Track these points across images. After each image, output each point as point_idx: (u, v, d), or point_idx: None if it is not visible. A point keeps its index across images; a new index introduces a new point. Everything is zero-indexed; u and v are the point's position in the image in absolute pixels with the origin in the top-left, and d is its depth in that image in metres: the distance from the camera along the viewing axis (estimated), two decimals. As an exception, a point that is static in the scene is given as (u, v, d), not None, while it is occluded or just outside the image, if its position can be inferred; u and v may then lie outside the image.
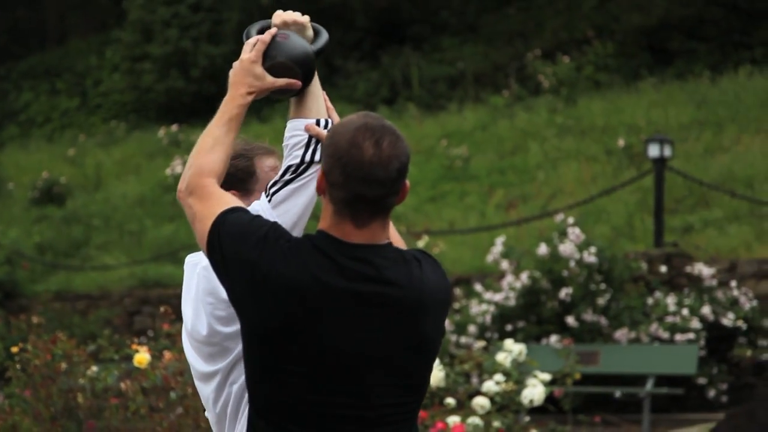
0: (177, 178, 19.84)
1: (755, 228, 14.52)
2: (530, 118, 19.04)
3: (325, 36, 3.15)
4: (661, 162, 13.71)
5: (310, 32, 3.19)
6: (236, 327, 2.97)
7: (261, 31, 3.10)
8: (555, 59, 20.56)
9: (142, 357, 6.87)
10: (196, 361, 3.12)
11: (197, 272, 3.11)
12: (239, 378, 3.02)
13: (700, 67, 19.52)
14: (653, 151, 13.69)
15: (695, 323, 12.56)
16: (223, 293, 2.93)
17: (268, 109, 22.66)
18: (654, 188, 13.87)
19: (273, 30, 3.09)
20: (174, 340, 7.26)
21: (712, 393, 12.78)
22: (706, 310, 12.72)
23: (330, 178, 2.74)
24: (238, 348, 2.99)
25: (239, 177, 3.23)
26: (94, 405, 7.02)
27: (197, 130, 21.70)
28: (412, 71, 22.08)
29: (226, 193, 2.93)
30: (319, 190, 2.80)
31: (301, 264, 2.71)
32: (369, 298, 2.69)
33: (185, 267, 3.25)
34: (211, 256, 2.82)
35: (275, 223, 2.85)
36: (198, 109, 23.29)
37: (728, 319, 12.79)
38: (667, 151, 13.72)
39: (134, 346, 7.14)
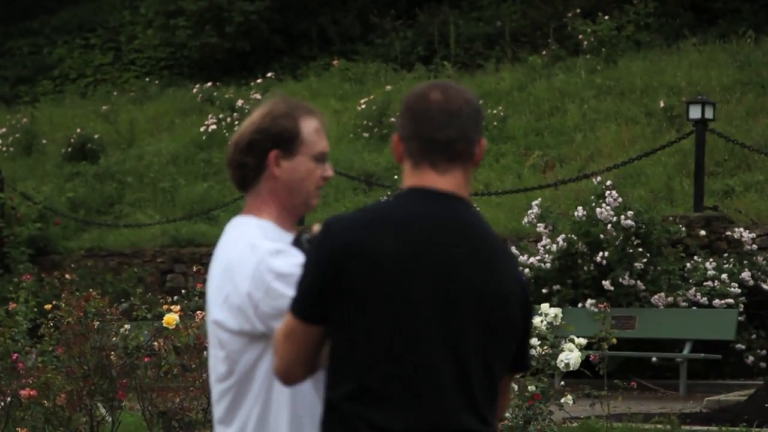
0: (210, 135, 19.77)
1: (797, 192, 14.31)
2: (568, 79, 18.81)
3: None
4: (702, 124, 13.50)
5: None
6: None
7: (310, 242, 3.08)
8: (595, 18, 20.27)
9: (170, 317, 6.83)
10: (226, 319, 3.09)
11: (259, 262, 3.04)
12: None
13: (743, 27, 19.20)
14: (694, 112, 13.49)
15: (734, 288, 12.42)
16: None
17: (303, 67, 22.52)
18: (694, 151, 13.68)
19: None
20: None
21: (750, 359, 12.64)
22: (745, 274, 12.57)
23: (403, 133, 2.77)
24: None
25: (284, 137, 3.16)
26: (127, 363, 7.01)
27: (231, 88, 21.62)
28: (450, 29, 21.86)
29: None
30: (397, 155, 2.80)
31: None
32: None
33: (231, 229, 3.19)
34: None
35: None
36: (232, 66, 23.17)
37: (768, 285, 12.64)
38: (709, 113, 13.52)
39: (166, 306, 7.10)
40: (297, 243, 3.12)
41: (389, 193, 15.54)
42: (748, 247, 12.89)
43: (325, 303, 2.72)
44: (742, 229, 13.00)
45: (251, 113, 3.24)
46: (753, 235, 12.98)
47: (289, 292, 2.99)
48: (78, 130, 20.46)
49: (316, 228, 3.13)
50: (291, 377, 2.82)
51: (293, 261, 3.03)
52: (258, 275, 3.02)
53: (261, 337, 3.04)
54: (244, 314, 3.04)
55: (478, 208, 13.39)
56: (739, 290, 12.46)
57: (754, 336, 12.69)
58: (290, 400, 3.04)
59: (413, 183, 2.75)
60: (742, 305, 12.49)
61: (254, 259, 3.04)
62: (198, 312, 7.16)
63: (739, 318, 12.44)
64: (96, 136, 20.37)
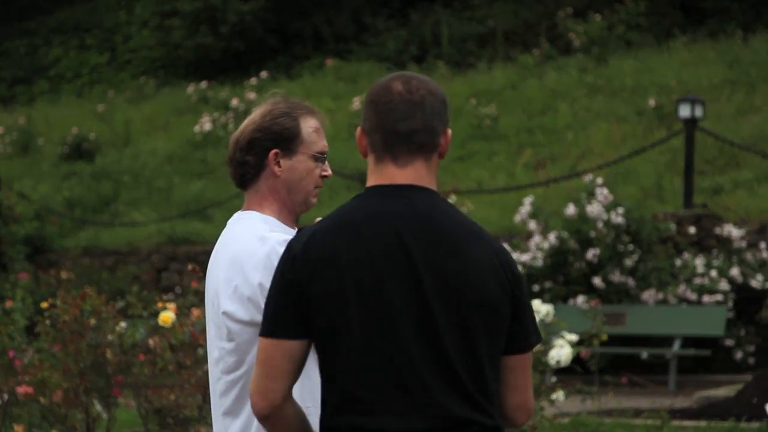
0: (205, 135, 19.87)
1: (786, 190, 14.42)
2: (560, 78, 18.92)
3: None
4: (691, 122, 13.62)
5: None
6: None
7: None
8: (586, 18, 20.39)
9: (166, 316, 6.90)
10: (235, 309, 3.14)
11: (269, 253, 3.09)
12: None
13: (732, 26, 19.32)
14: (684, 111, 13.60)
15: (723, 285, 12.53)
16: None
17: (297, 67, 22.62)
18: (684, 149, 13.79)
19: None
20: (202, 298, 7.28)
21: (739, 355, 12.75)
22: (734, 271, 12.68)
23: (366, 125, 2.74)
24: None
25: (284, 136, 3.21)
26: (123, 361, 7.06)
27: (226, 87, 21.71)
28: (442, 29, 21.96)
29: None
30: (361, 149, 2.78)
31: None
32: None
33: (234, 223, 3.24)
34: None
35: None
36: (227, 65, 23.26)
37: (757, 281, 12.74)
38: (698, 112, 13.63)
39: (161, 304, 7.17)
40: None
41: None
42: (737, 244, 13.00)
43: (291, 316, 2.67)
44: (731, 227, 13.12)
45: (251, 112, 3.27)
46: (742, 232, 13.10)
47: None
48: (74, 130, 20.54)
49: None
50: (266, 400, 2.69)
51: None
52: (270, 265, 3.03)
53: None
54: (256, 305, 3.07)
55: (470, 207, 13.47)
56: (729, 287, 12.57)
57: (743, 332, 12.81)
58: (298, 390, 3.02)
59: (373, 181, 2.72)
60: (731, 302, 12.61)
61: (264, 250, 3.08)
62: (193, 309, 7.23)
63: (728, 314, 12.55)
64: (92, 136, 20.46)
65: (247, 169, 3.21)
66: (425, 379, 2.64)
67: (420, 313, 2.65)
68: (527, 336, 2.77)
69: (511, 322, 2.74)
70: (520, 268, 11.45)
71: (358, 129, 2.77)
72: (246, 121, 3.25)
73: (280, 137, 3.19)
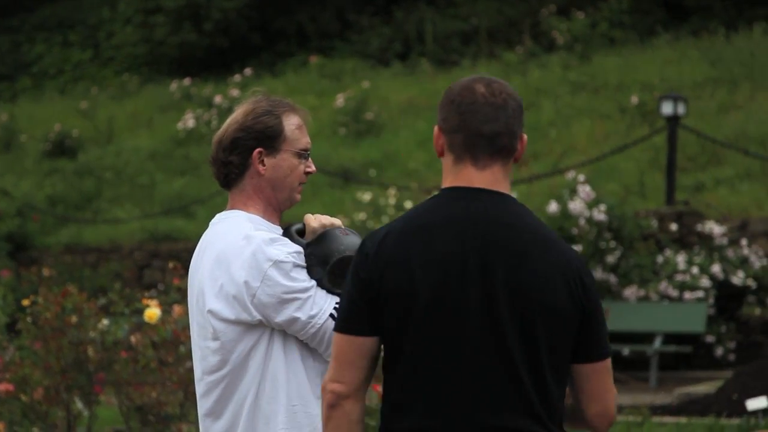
0: (189, 132, 19.84)
1: (767, 186, 14.48)
2: (543, 75, 18.96)
3: (358, 236, 3.21)
4: (674, 120, 13.66)
5: None
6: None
7: (299, 233, 3.19)
8: (570, 15, 20.44)
9: (152, 312, 6.90)
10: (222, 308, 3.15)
11: (255, 255, 3.10)
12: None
13: (714, 23, 19.39)
14: (666, 108, 13.64)
15: (705, 281, 12.57)
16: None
17: (281, 64, 22.61)
18: (666, 146, 13.83)
19: (336, 221, 3.19)
20: (184, 294, 7.29)
21: (720, 351, 12.80)
22: (716, 268, 12.73)
23: (446, 126, 2.75)
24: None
25: (267, 134, 3.21)
26: (104, 358, 7.07)
27: (209, 84, 21.68)
28: (426, 26, 21.98)
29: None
30: (437, 149, 2.79)
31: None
32: None
33: (217, 224, 3.24)
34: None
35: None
36: (210, 62, 23.23)
37: (738, 278, 12.79)
38: (681, 109, 13.67)
39: (145, 301, 7.17)
40: (286, 234, 3.19)
41: (366, 188, 15.67)
42: (719, 241, 13.05)
43: (363, 314, 2.71)
44: (712, 224, 13.16)
45: (234, 110, 3.27)
46: (723, 229, 13.15)
47: (285, 280, 3.06)
48: (57, 127, 20.50)
49: (308, 219, 3.23)
50: (337, 390, 2.74)
51: (289, 249, 3.10)
52: (255, 264, 3.06)
53: (257, 326, 3.09)
54: (241, 303, 3.08)
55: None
56: (710, 283, 12.62)
57: (723, 329, 12.86)
58: (285, 389, 3.09)
59: (449, 182, 2.75)
60: (712, 298, 12.66)
61: (250, 249, 3.08)
62: (175, 306, 7.23)
63: (710, 311, 12.60)
64: (75, 133, 20.41)
65: (231, 168, 3.21)
66: (486, 385, 2.67)
67: (486, 318, 2.67)
68: (600, 345, 2.78)
69: (582, 331, 2.75)
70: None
71: (435, 128, 2.77)
72: (228, 121, 3.25)
73: (264, 136, 3.19)
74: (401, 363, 2.70)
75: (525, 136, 2.80)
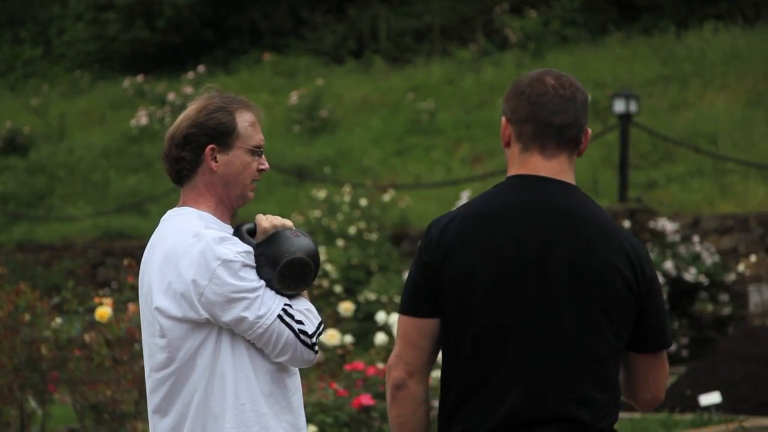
0: (141, 129, 19.73)
1: (718, 183, 14.63)
2: (497, 73, 19.04)
3: (309, 238, 3.23)
4: (626, 117, 13.76)
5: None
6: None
7: (249, 232, 3.19)
8: (522, 13, 20.53)
9: (103, 311, 6.86)
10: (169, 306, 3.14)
11: (206, 255, 3.09)
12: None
13: (665, 22, 19.55)
14: (619, 106, 13.73)
15: (657, 278, 12.68)
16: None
17: (234, 61, 22.53)
18: (619, 143, 13.93)
19: (287, 222, 3.19)
20: (138, 292, 7.24)
21: (673, 347, 12.92)
22: (668, 265, 12.83)
23: (514, 116, 2.81)
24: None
25: (220, 131, 3.19)
26: (58, 356, 7.02)
27: (162, 81, 21.57)
28: (380, 24, 22.00)
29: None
30: (504, 139, 2.85)
31: None
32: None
33: (169, 220, 3.23)
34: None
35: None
36: (163, 59, 23.12)
37: (690, 274, 12.91)
38: (633, 107, 13.77)
39: (98, 299, 7.13)
40: (237, 234, 3.18)
41: (320, 185, 15.66)
42: (671, 238, 13.16)
43: (425, 297, 2.77)
44: (665, 220, 13.27)
45: (186, 107, 3.25)
46: (676, 225, 13.26)
47: (233, 279, 3.05)
48: (8, 124, 20.31)
49: (260, 219, 3.22)
50: (402, 370, 2.81)
51: (238, 249, 3.09)
52: (203, 262, 3.05)
53: (204, 325, 3.08)
54: (189, 301, 3.07)
55: (408, 201, 13.43)
56: (663, 280, 12.73)
57: (676, 325, 12.97)
58: (233, 388, 3.08)
59: (515, 170, 2.81)
60: (665, 295, 12.77)
61: (199, 247, 3.07)
62: (130, 304, 7.19)
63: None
64: (26, 130, 20.24)
65: (183, 165, 3.20)
66: (545, 371, 2.73)
67: (546, 304, 2.73)
68: (658, 336, 2.83)
69: (641, 321, 2.81)
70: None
71: (503, 119, 2.83)
72: (181, 117, 3.23)
73: (216, 132, 3.18)
74: (464, 345, 2.75)
75: (589, 130, 2.87)
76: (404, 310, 2.82)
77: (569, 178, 2.82)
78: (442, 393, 2.84)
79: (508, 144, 2.84)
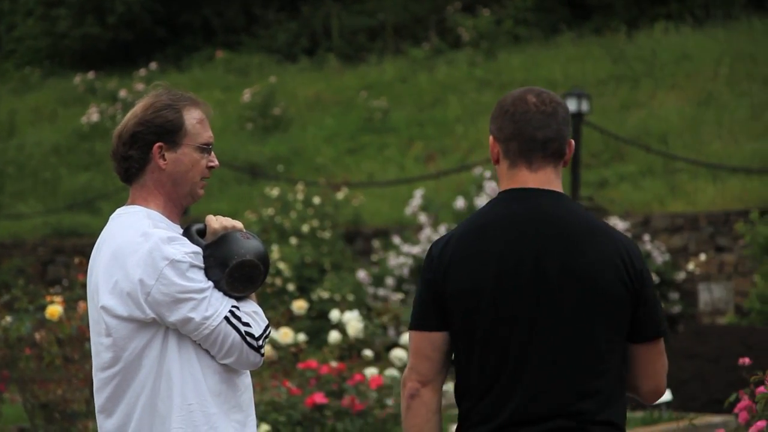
0: (93, 126, 19.59)
1: (669, 183, 14.75)
2: (450, 71, 19.08)
3: (259, 240, 3.24)
4: (578, 117, 13.84)
5: None
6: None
7: (199, 233, 3.18)
8: (475, 12, 20.59)
9: (54, 309, 6.81)
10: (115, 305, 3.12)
11: (154, 255, 3.07)
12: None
13: (617, 22, 19.69)
14: (570, 105, 13.82)
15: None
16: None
17: (187, 58, 22.42)
18: (571, 143, 14.00)
19: (238, 224, 3.21)
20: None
21: (624, 345, 12.99)
22: (619, 263, 12.91)
23: (501, 135, 3.02)
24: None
25: (168, 129, 3.17)
26: (8, 355, 6.96)
27: (114, 78, 21.43)
28: (333, 22, 21.98)
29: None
30: (493, 156, 3.05)
31: None
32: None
33: (118, 219, 3.20)
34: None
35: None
36: (114, 56, 22.96)
37: (641, 273, 13.00)
38: (584, 106, 13.86)
39: (49, 297, 7.07)
40: (187, 234, 3.16)
41: (273, 184, 15.61)
42: (622, 237, 13.25)
43: (432, 312, 2.96)
44: (616, 219, 13.37)
45: (134, 105, 3.23)
46: (627, 224, 13.36)
47: (180, 280, 3.04)
48: (-44, 121, 20.10)
49: (210, 220, 3.21)
50: (416, 380, 2.99)
51: (186, 249, 3.08)
52: (151, 262, 3.04)
53: (150, 324, 3.07)
54: (135, 300, 3.05)
55: (361, 199, 13.45)
56: (613, 278, 12.81)
57: (627, 322, 13.07)
58: (180, 388, 3.07)
59: (505, 185, 3.02)
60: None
61: (147, 246, 3.06)
62: (80, 302, 7.14)
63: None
64: (-25, 127, 20.03)
65: (132, 163, 3.18)
66: (552, 370, 2.91)
67: (543, 308, 2.92)
68: (653, 326, 3.01)
69: (636, 314, 2.99)
70: (409, 260, 11.61)
71: (491, 138, 3.03)
72: (128, 115, 3.21)
73: (164, 130, 3.16)
74: (472, 354, 2.95)
75: (572, 142, 3.06)
76: (414, 326, 2.99)
77: (557, 187, 3.02)
78: (457, 401, 3.02)
79: (497, 161, 3.03)
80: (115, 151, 3.19)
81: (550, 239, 2.93)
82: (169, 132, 3.16)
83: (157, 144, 3.16)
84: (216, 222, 3.18)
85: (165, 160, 3.17)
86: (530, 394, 2.91)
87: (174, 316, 3.06)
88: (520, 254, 2.92)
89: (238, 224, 3.21)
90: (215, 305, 3.08)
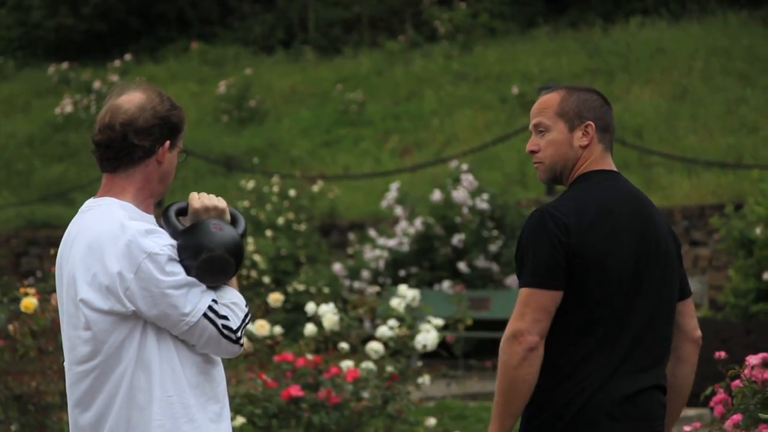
0: (66, 117, 19.49)
1: (644, 177, 14.79)
2: (426, 65, 19.08)
3: (243, 221, 3.25)
4: (554, 110, 13.85)
5: (228, 216, 3.22)
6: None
7: (179, 212, 3.17)
8: (451, 5, 20.59)
9: (29, 301, 6.76)
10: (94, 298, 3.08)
11: (131, 249, 3.04)
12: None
13: (592, 16, 19.74)
14: (547, 99, 13.83)
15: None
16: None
17: (162, 50, 22.33)
18: (547, 136, 14.03)
19: (221, 203, 3.21)
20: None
21: (598, 338, 13.03)
22: (595, 257, 12.95)
23: (600, 123, 3.41)
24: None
25: (178, 128, 3.18)
26: (-19, 347, 6.90)
27: (88, 69, 21.32)
28: (309, 14, 21.93)
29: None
30: (587, 140, 3.40)
31: None
32: None
33: (88, 211, 3.17)
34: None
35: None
36: (89, 47, 22.84)
37: (616, 266, 13.04)
38: (561, 100, 13.87)
39: (23, 290, 7.02)
40: (165, 215, 3.14)
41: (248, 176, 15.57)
42: (597, 230, 13.29)
43: (562, 272, 3.22)
44: (591, 213, 13.41)
45: (129, 94, 3.16)
46: (602, 218, 13.40)
47: (159, 274, 3.02)
48: (-72, 111, 19.96)
49: (192, 198, 3.18)
50: (537, 335, 3.22)
51: (164, 242, 3.05)
52: (129, 255, 3.02)
53: (130, 317, 3.05)
54: (114, 294, 3.03)
55: (337, 192, 13.45)
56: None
57: (602, 316, 13.11)
58: (159, 379, 3.06)
59: (599, 166, 3.38)
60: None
61: (125, 239, 3.03)
62: (54, 294, 7.10)
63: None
64: (-53, 117, 19.91)
65: (135, 152, 3.13)
66: (650, 340, 3.28)
67: (642, 269, 3.29)
68: (687, 283, 3.45)
69: (681, 272, 3.42)
70: (385, 253, 11.52)
71: (589, 123, 3.38)
72: (136, 103, 3.14)
73: (176, 129, 3.16)
74: (582, 313, 3.22)
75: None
76: (540, 284, 3.22)
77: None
78: (557, 355, 3.24)
79: (587, 145, 3.38)
80: (121, 137, 3.12)
81: (641, 211, 3.32)
82: (177, 131, 3.17)
83: (167, 141, 3.15)
84: (197, 201, 3.17)
85: (165, 157, 3.16)
86: (642, 368, 3.25)
87: (152, 311, 3.05)
88: (642, 232, 3.30)
89: (222, 203, 3.19)
90: (193, 301, 3.06)
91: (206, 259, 3.07)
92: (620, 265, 3.24)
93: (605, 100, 3.45)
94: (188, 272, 3.08)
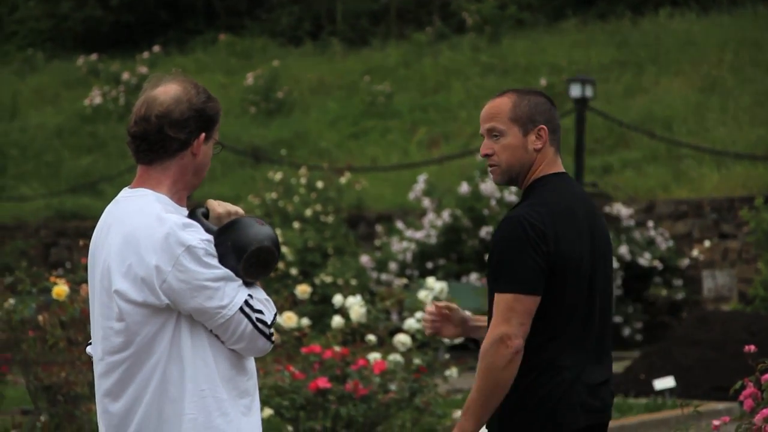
0: (96, 108, 19.55)
1: (673, 169, 14.73)
2: (454, 56, 19.03)
3: (270, 227, 3.27)
4: (582, 102, 13.81)
5: None
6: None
7: (205, 215, 3.18)
8: (479, -3, 20.52)
9: (60, 289, 6.79)
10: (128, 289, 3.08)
11: (170, 242, 3.02)
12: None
13: (621, 7, 19.63)
14: (575, 91, 13.78)
15: (613, 262, 12.76)
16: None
17: (190, 41, 22.37)
18: (575, 128, 13.98)
19: (239, 210, 3.21)
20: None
21: (627, 331, 13.00)
22: (623, 249, 12.91)
23: (551, 125, 3.51)
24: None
25: (214, 120, 3.17)
26: (11, 337, 6.94)
27: (117, 61, 21.38)
28: (336, 5, 21.91)
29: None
30: (540, 144, 3.50)
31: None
32: None
33: (124, 201, 3.16)
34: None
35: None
36: (117, 39, 22.90)
37: (645, 259, 12.99)
38: (589, 92, 13.82)
39: (52, 279, 7.05)
40: (193, 217, 3.13)
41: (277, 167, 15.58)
42: (626, 223, 13.23)
43: (543, 278, 3.35)
44: (620, 205, 13.35)
45: (165, 86, 3.14)
46: (630, 210, 13.33)
47: (197, 267, 3.01)
48: (-42, 102, 20.08)
49: (212, 204, 3.18)
50: (522, 339, 3.35)
51: (201, 236, 3.05)
52: (167, 248, 3.01)
53: (163, 310, 3.04)
54: (150, 286, 3.03)
55: (364, 184, 13.46)
56: (617, 264, 12.80)
57: (630, 309, 13.05)
58: (192, 372, 3.05)
59: (553, 169, 3.49)
60: (619, 279, 12.84)
61: (163, 231, 3.02)
62: (84, 285, 7.12)
63: (617, 292, 12.79)
64: (-23, 109, 20.01)
65: (170, 144, 3.12)
66: (604, 332, 3.47)
67: (596, 268, 3.43)
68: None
69: None
70: (412, 245, 11.48)
71: (543, 128, 3.47)
72: (172, 95, 3.13)
73: (211, 121, 3.15)
74: (564, 313, 3.39)
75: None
76: (524, 289, 3.36)
77: None
78: (537, 352, 3.39)
79: (540, 148, 3.48)
80: (157, 129, 3.10)
81: (595, 215, 3.48)
82: (213, 123, 3.15)
83: (203, 133, 3.13)
84: (220, 207, 3.16)
85: (200, 149, 3.14)
86: (597, 358, 3.43)
87: (189, 304, 3.04)
88: (593, 231, 3.44)
89: (240, 210, 3.20)
90: (231, 294, 3.06)
91: (255, 251, 3.06)
92: (586, 265, 3.40)
93: (551, 101, 3.56)
94: (234, 271, 3.08)
